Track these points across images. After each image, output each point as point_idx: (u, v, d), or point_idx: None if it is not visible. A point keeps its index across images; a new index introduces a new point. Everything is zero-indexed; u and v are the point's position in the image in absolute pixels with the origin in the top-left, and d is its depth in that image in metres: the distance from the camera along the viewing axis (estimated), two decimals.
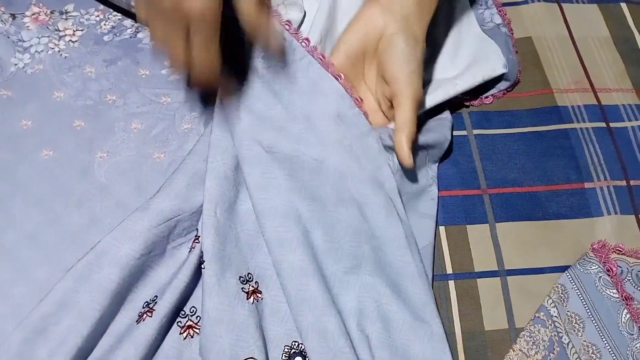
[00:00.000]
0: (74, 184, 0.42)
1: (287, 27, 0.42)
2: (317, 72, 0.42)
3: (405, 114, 0.40)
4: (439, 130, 0.45)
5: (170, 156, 0.44)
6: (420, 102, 0.42)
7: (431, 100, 0.45)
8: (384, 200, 0.39)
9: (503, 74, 0.49)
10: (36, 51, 0.48)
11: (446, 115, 0.47)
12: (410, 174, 0.43)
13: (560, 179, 0.46)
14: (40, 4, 0.50)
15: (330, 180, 0.40)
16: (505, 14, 0.54)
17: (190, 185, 0.38)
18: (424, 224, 0.42)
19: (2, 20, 0.49)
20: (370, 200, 0.39)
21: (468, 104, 0.50)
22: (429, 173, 0.45)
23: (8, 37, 0.48)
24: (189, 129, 0.45)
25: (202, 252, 0.36)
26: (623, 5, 0.57)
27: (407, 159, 0.40)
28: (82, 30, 0.49)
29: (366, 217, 0.39)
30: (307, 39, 0.43)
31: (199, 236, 0.37)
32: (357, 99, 0.42)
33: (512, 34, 0.53)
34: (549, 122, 0.49)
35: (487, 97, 0.50)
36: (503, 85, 0.50)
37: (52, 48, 0.48)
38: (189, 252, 0.38)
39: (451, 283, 0.42)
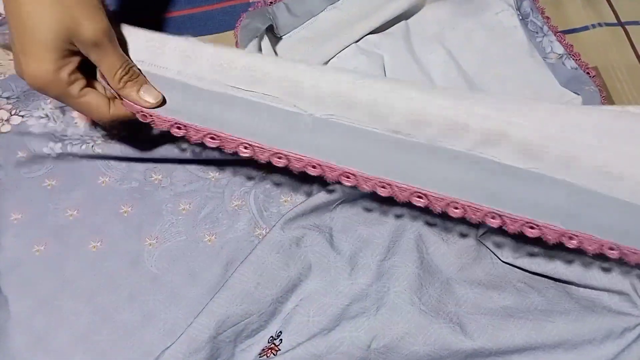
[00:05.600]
0: (124, 277, 0.40)
1: None
2: None
3: None
4: None
5: (221, 238, 0.41)
6: None
7: None
8: None
9: None
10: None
11: None
12: None
13: None
14: None
15: None
16: (564, 40, 0.51)
17: (260, 284, 0.35)
18: None
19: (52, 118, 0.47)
20: None
21: None
22: None
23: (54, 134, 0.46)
24: (239, 205, 0.43)
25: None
26: None
27: None
28: None
29: None
30: None
31: (275, 342, 0.35)
32: None
33: (580, 58, 0.50)
34: None
35: None
36: None
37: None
38: (259, 356, 0.35)
39: None
